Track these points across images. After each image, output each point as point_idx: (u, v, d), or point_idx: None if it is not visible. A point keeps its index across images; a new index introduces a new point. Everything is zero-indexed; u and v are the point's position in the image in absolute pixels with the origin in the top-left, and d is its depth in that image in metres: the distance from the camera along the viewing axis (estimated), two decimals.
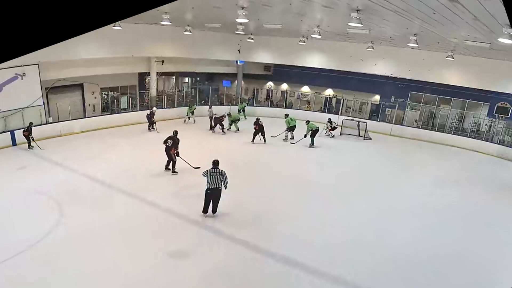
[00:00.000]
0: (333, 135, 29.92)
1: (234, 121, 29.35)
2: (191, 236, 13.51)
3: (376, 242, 13.86)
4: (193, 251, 12.57)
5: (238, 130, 29.33)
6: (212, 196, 14.37)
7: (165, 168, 19.33)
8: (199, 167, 18.32)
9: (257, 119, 26.77)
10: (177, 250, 12.52)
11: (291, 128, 27.26)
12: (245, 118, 32.98)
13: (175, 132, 19.41)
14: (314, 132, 26.30)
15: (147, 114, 29.11)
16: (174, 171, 19.13)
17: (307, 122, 26.79)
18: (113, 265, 11.39)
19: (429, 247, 13.76)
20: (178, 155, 18.92)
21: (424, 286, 11.60)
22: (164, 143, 18.83)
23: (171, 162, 19.05)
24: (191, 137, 27.01)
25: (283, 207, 16.46)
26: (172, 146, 18.65)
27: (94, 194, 16.66)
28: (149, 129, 28.62)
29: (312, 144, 26.41)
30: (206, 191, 14.30)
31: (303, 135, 26.82)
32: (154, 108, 29.69)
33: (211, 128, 29.66)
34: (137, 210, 15.37)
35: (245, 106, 35.62)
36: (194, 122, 31.87)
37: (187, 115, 31.92)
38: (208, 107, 31.60)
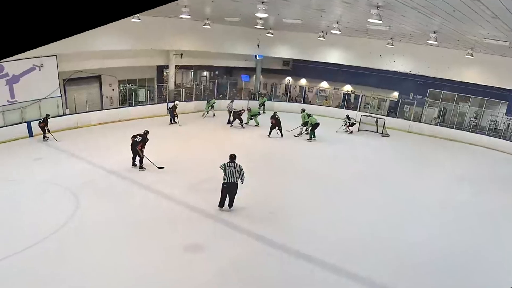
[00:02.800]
0: (351, 131, 29.90)
1: (253, 115, 29.50)
2: (206, 230, 13.56)
3: (392, 238, 13.85)
4: (208, 245, 12.60)
5: (258, 124, 29.42)
6: (229, 190, 14.41)
7: (132, 165, 19.00)
8: (163, 167, 18.81)
9: (274, 114, 26.88)
10: (192, 244, 12.55)
11: (306, 123, 27.25)
12: (264, 112, 33.07)
13: (146, 132, 19.02)
14: (314, 126, 26.51)
15: (169, 108, 29.34)
16: (141, 167, 18.80)
17: (309, 115, 27.01)
18: (127, 258, 11.45)
19: (446, 245, 13.72)
20: (142, 153, 18.60)
21: (440, 283, 11.56)
22: (132, 137, 18.55)
23: (139, 158, 18.71)
24: (209, 131, 27.36)
25: (299, 202, 16.48)
26: (140, 142, 18.35)
27: (111, 186, 16.82)
28: (170, 123, 28.76)
29: (310, 139, 26.67)
30: (223, 185, 14.34)
31: (304, 129, 27.37)
32: (177, 102, 29.64)
33: (229, 122, 29.75)
34: (153, 203, 15.47)
35: (265, 101, 35.79)
36: (214, 115, 32.03)
37: (205, 109, 32.01)
38: (229, 101, 31.71)
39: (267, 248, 12.67)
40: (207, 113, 31.95)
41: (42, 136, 23.02)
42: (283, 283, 10.99)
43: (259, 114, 30.13)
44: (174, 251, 12.07)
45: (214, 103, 32.34)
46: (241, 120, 28.99)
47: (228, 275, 11.17)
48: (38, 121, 23.11)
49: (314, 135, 26.58)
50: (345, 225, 14.66)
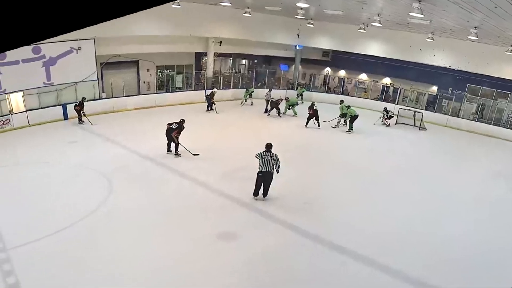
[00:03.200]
0: (389, 124, 29.80)
1: (292, 105, 29.58)
2: (239, 219, 13.61)
3: (429, 233, 13.73)
4: (240, 234, 12.59)
5: (296, 114, 29.43)
6: (264, 179, 14.42)
7: (168, 151, 19.07)
8: (198, 154, 18.82)
9: (312, 104, 26.97)
10: (224, 232, 12.58)
11: (344, 115, 27.14)
12: (302, 102, 33.05)
13: (182, 120, 18.96)
14: (353, 118, 26.37)
15: (207, 95, 29.46)
16: (177, 153, 18.88)
17: (348, 107, 26.94)
18: (158, 245, 11.49)
19: (482, 241, 13.58)
20: (177, 139, 18.61)
21: (476, 279, 11.45)
22: (168, 124, 18.59)
23: (174, 145, 18.85)
24: (246, 120, 27.53)
25: (335, 194, 16.49)
26: (175, 129, 18.38)
27: (146, 172, 17.02)
28: (207, 110, 28.93)
29: (349, 131, 26.53)
30: (258, 173, 14.36)
31: (342, 120, 27.32)
32: (215, 89, 29.93)
33: (266, 111, 29.81)
34: (187, 190, 15.64)
35: (303, 91, 35.72)
36: (252, 104, 32.22)
37: (244, 97, 32.26)
38: (267, 90, 31.78)
39: (300, 239, 12.68)
40: (245, 101, 32.19)
41: (77, 119, 23.38)
42: (313, 276, 10.94)
43: (297, 104, 30.15)
44: (206, 239, 12.10)
45: (252, 91, 32.53)
46: (278, 109, 29.00)
47: (257, 264, 11.16)
48: (74, 104, 23.48)
49: (352, 127, 26.54)
50: (382, 218, 14.58)
